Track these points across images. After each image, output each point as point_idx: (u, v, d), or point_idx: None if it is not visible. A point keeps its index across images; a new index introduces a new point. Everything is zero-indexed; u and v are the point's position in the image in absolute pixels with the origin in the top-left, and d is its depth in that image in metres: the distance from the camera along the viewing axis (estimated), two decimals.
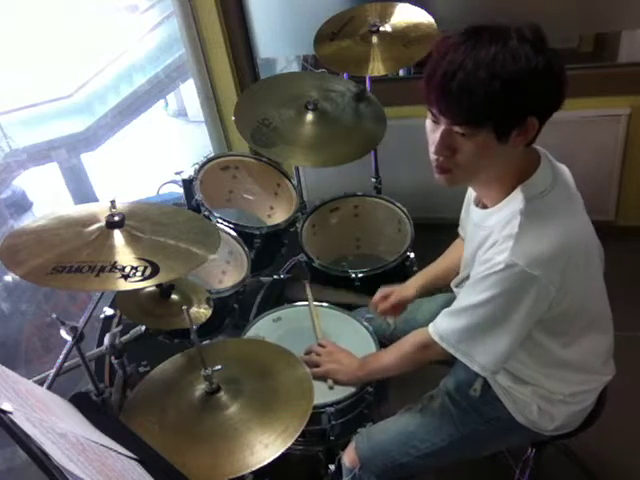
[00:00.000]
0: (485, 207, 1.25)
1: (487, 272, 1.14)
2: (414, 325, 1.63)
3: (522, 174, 1.16)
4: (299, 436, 1.21)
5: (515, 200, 1.15)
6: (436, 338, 1.28)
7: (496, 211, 1.20)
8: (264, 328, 1.70)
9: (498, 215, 1.18)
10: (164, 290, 1.53)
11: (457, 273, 1.42)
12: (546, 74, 1.04)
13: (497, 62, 1.01)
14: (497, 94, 1.02)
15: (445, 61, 1.05)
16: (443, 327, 1.27)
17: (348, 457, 1.48)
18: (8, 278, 3.01)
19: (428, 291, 1.68)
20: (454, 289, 1.41)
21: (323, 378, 1.52)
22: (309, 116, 2.02)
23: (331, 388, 1.51)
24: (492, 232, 1.18)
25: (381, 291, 1.67)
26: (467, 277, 1.27)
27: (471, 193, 1.38)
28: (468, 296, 1.21)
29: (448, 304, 1.33)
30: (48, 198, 4.43)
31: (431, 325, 1.31)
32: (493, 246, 1.15)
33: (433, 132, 1.14)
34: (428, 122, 1.15)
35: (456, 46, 1.05)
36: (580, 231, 1.19)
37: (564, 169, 1.27)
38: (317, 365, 1.53)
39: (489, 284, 1.14)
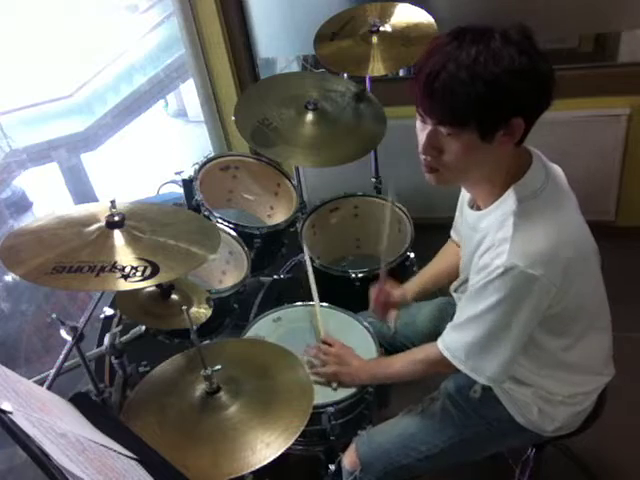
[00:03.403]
0: (479, 209, 1.25)
1: (487, 279, 1.13)
2: (414, 328, 1.64)
3: (513, 174, 1.16)
4: (299, 436, 1.21)
5: (507, 201, 1.15)
6: (447, 355, 1.27)
7: (489, 213, 1.19)
8: (264, 328, 1.70)
9: (491, 217, 1.18)
10: (164, 290, 1.53)
11: (449, 277, 1.42)
12: (530, 75, 1.03)
13: (478, 63, 1.01)
14: (479, 95, 1.02)
15: (430, 62, 1.06)
16: (451, 342, 1.27)
17: (348, 459, 1.48)
18: (8, 278, 3.01)
19: (424, 296, 1.68)
20: (453, 294, 1.41)
21: (329, 379, 1.52)
22: (309, 116, 2.02)
23: (335, 389, 1.51)
24: (487, 235, 1.17)
25: (390, 283, 1.67)
26: (465, 280, 1.27)
27: (464, 196, 1.37)
28: (471, 306, 1.20)
29: (448, 307, 1.33)
30: (48, 198, 4.42)
31: (440, 341, 1.30)
32: (489, 250, 1.15)
33: (421, 132, 1.14)
34: (418, 122, 1.16)
35: (441, 47, 1.06)
36: (574, 230, 1.19)
37: (557, 169, 1.26)
38: (323, 363, 1.53)
39: (491, 291, 1.14)
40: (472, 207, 1.29)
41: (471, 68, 1.02)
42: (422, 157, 1.16)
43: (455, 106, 1.04)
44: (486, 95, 1.02)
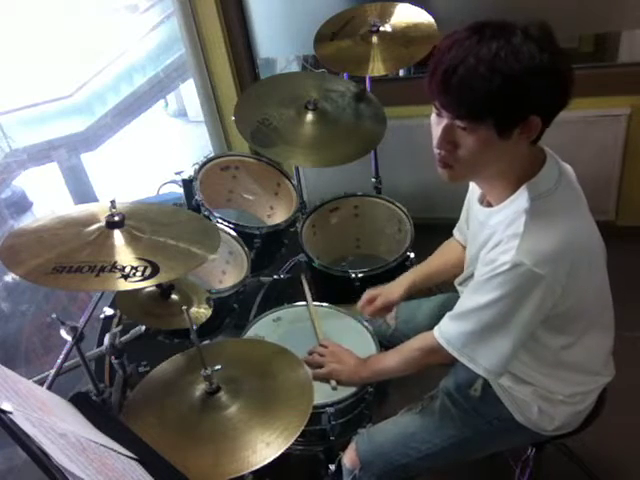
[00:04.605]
0: (489, 205, 1.25)
1: (493, 273, 1.13)
2: (414, 325, 1.63)
3: (527, 172, 1.16)
4: (299, 436, 1.21)
5: (520, 199, 1.15)
6: (442, 342, 1.27)
7: (500, 209, 1.19)
8: (264, 328, 1.70)
9: (502, 214, 1.18)
10: (164, 290, 1.53)
11: (450, 274, 1.41)
12: (549, 73, 1.03)
13: (498, 58, 1.01)
14: (497, 90, 1.01)
15: (448, 56, 1.05)
16: (449, 331, 1.27)
17: (348, 458, 1.47)
18: (8, 278, 3.01)
19: (419, 290, 1.67)
20: (457, 287, 1.41)
21: (326, 379, 1.52)
22: (309, 116, 2.02)
23: (334, 389, 1.51)
24: (496, 231, 1.17)
25: (367, 294, 1.66)
26: (471, 275, 1.26)
27: (473, 193, 1.37)
28: (473, 297, 1.20)
29: (448, 303, 1.32)
30: (48, 198, 4.42)
31: (436, 329, 1.30)
32: (497, 246, 1.15)
33: (437, 126, 1.14)
34: (433, 116, 1.15)
35: (460, 41, 1.05)
36: (584, 230, 1.19)
37: (568, 168, 1.26)
38: (320, 366, 1.53)
39: (495, 285, 1.13)
40: (482, 203, 1.29)
41: (491, 63, 1.01)
42: (436, 152, 1.15)
43: (473, 101, 1.04)
44: (505, 91, 1.02)
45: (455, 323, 1.26)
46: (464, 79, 1.03)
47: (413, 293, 1.64)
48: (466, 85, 1.03)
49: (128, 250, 1.22)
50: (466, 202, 1.46)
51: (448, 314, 1.29)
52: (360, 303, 1.67)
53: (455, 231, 1.57)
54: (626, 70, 2.49)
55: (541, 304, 1.14)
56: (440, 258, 1.63)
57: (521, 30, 1.03)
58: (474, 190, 1.36)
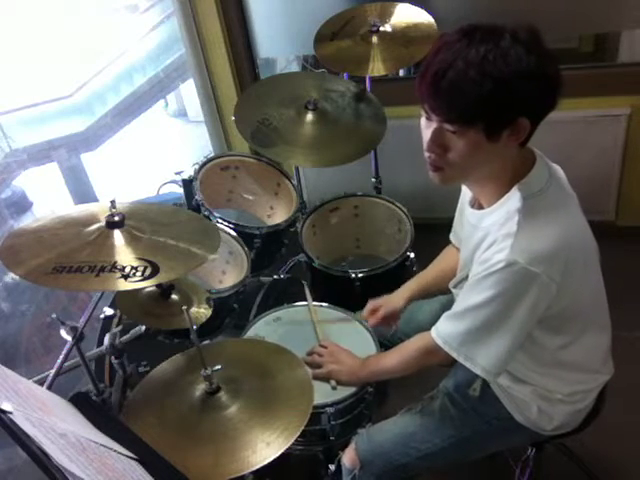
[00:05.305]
0: (481, 207, 1.25)
1: (487, 272, 1.13)
2: (415, 325, 1.63)
3: (517, 173, 1.16)
4: (299, 436, 1.20)
5: (512, 199, 1.15)
6: (439, 342, 1.27)
7: (492, 211, 1.20)
8: (264, 328, 1.70)
9: (495, 215, 1.18)
10: (164, 290, 1.53)
11: (450, 280, 1.42)
12: (537, 75, 1.03)
13: (487, 61, 1.01)
14: (486, 94, 1.02)
15: (437, 59, 1.05)
16: (445, 330, 1.27)
17: (348, 458, 1.48)
18: (8, 278, 3.01)
19: (420, 298, 1.67)
20: (452, 290, 1.41)
21: (325, 379, 1.52)
22: (309, 116, 2.02)
23: (334, 388, 1.51)
24: (489, 232, 1.17)
25: (370, 304, 1.67)
26: (465, 278, 1.26)
27: (465, 196, 1.37)
28: (469, 297, 1.20)
29: (449, 304, 1.32)
30: (48, 198, 4.42)
31: (433, 329, 1.30)
32: (492, 245, 1.15)
33: (426, 129, 1.14)
34: (423, 119, 1.15)
35: (450, 45, 1.05)
36: (577, 229, 1.20)
37: (559, 169, 1.27)
38: (319, 366, 1.53)
39: (490, 284, 1.14)
40: (473, 206, 1.29)
41: (480, 66, 1.01)
42: (427, 155, 1.16)
43: (462, 104, 1.04)
44: (494, 94, 1.02)
45: (452, 322, 1.26)
46: (453, 83, 1.03)
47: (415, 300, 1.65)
48: (456, 89, 1.03)
49: (128, 250, 1.22)
50: (459, 205, 1.46)
51: (445, 314, 1.29)
52: (363, 313, 1.68)
53: (451, 236, 1.57)
54: (626, 70, 2.50)
55: (537, 303, 1.14)
56: (439, 266, 1.63)
57: (510, 33, 1.03)
58: (465, 193, 1.37)
